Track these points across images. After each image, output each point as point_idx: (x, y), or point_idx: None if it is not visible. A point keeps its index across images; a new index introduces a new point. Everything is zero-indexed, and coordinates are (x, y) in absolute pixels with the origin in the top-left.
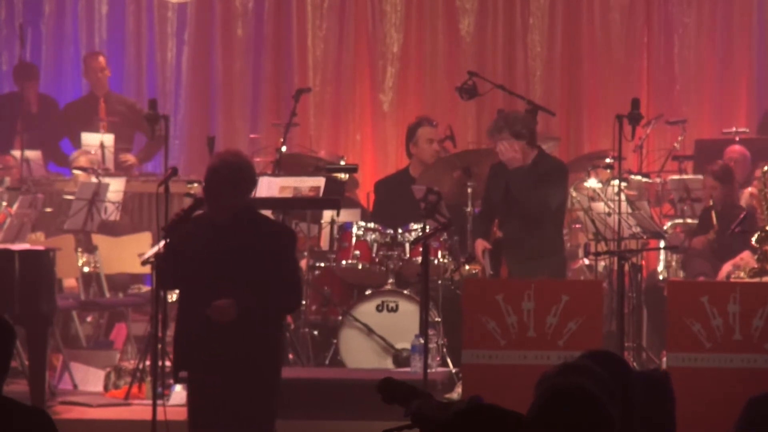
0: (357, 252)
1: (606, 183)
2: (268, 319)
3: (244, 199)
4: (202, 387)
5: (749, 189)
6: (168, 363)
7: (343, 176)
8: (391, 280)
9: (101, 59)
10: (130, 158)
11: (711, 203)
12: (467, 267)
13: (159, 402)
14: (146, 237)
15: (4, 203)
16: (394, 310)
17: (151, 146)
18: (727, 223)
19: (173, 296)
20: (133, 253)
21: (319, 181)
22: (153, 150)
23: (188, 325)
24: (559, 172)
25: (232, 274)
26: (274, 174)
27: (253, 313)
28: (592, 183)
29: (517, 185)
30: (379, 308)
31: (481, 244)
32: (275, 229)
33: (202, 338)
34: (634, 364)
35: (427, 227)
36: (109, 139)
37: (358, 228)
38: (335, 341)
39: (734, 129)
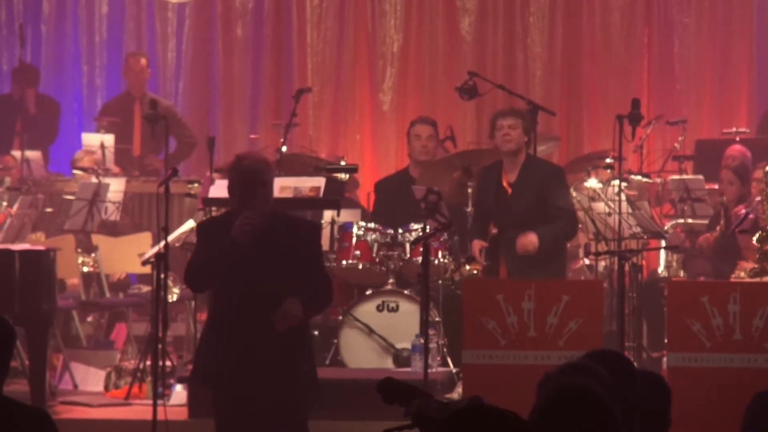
0: (357, 252)
1: (606, 183)
2: (300, 333)
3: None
4: (236, 394)
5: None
6: (168, 363)
7: (343, 176)
8: (391, 280)
9: (143, 61)
10: (155, 162)
11: (723, 201)
12: (467, 267)
13: (159, 402)
14: (146, 237)
15: (5, 203)
16: (395, 310)
17: (180, 151)
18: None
19: (173, 296)
20: (133, 254)
21: (320, 182)
22: (181, 155)
23: (224, 329)
24: (557, 176)
25: (272, 275)
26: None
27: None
28: (593, 183)
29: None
30: (380, 308)
31: (478, 244)
32: (301, 226)
33: (238, 344)
34: (635, 364)
35: (428, 227)
36: (109, 139)
37: (359, 228)
38: (335, 341)
39: (734, 129)
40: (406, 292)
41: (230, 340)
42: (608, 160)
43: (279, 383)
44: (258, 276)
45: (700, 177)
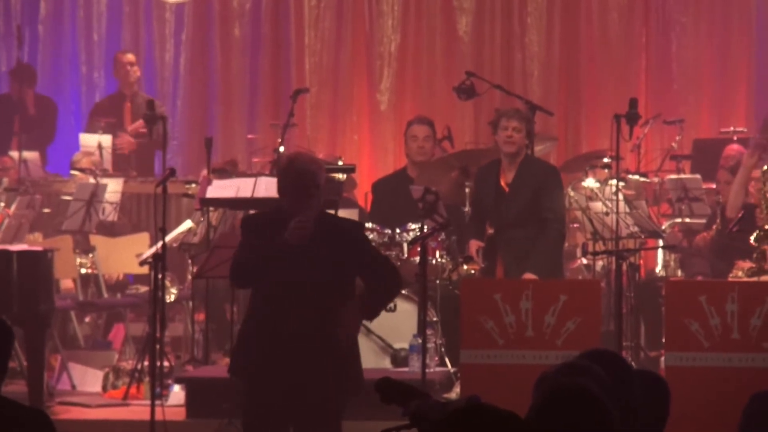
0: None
1: (604, 182)
2: (348, 316)
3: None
4: (270, 386)
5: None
6: (166, 363)
7: (340, 176)
8: None
9: (129, 57)
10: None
11: (720, 201)
12: (465, 267)
13: (157, 402)
14: (144, 237)
15: (2, 204)
16: (392, 309)
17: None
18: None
19: (171, 297)
20: (131, 254)
21: None
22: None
23: (265, 326)
24: (554, 177)
25: (316, 276)
26: (272, 174)
27: (378, 309)
28: (590, 182)
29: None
30: None
31: (474, 244)
32: (346, 227)
33: (279, 343)
34: (632, 363)
35: (425, 227)
36: (106, 139)
37: None
38: None
39: (732, 128)
40: (403, 291)
41: (272, 337)
42: (606, 160)
43: (317, 383)
44: (302, 276)
45: (698, 176)
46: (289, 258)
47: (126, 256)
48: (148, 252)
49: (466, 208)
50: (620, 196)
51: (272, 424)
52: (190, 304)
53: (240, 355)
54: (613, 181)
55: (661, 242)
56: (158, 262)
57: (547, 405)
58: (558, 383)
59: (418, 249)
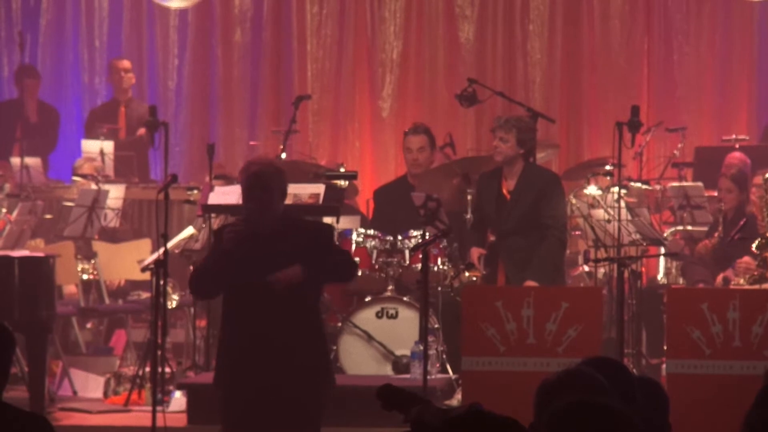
0: (357, 259)
1: (606, 190)
2: (316, 327)
3: (282, 204)
4: (249, 394)
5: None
6: (167, 369)
7: (342, 183)
8: (390, 287)
9: (125, 61)
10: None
11: (722, 208)
12: (467, 274)
13: (158, 408)
14: (146, 244)
15: (4, 210)
16: (394, 316)
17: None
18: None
19: (172, 303)
20: (132, 260)
21: (319, 188)
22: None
23: (236, 335)
24: (555, 185)
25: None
26: None
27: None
28: (592, 190)
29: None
30: (379, 315)
31: (476, 252)
32: (311, 228)
33: (250, 349)
34: (634, 370)
35: (427, 234)
36: (108, 145)
37: (358, 235)
38: (335, 348)
39: (734, 136)
40: (405, 298)
41: (242, 344)
42: (608, 167)
43: (291, 382)
44: (264, 283)
45: (700, 184)
46: (248, 263)
47: (128, 262)
48: (150, 258)
49: (468, 215)
50: (622, 204)
51: (253, 428)
52: (192, 310)
53: (220, 366)
54: (615, 189)
55: (662, 250)
56: (160, 268)
57: (567, 420)
58: (581, 401)
59: (420, 256)
